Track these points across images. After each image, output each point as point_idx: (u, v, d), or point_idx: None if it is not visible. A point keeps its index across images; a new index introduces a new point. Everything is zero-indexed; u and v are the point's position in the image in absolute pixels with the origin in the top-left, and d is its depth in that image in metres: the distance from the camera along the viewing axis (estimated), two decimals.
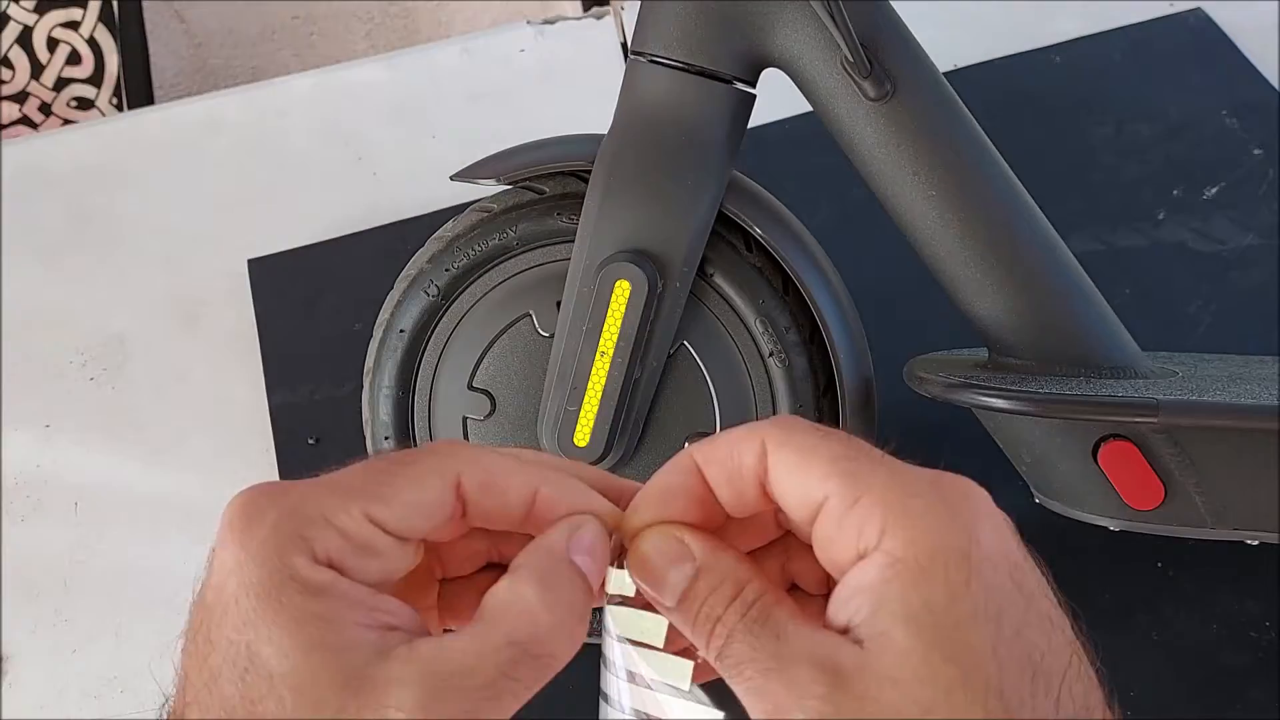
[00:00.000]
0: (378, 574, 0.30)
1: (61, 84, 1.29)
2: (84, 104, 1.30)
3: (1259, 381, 0.60)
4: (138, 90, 1.32)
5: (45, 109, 1.30)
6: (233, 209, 0.93)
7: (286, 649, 0.28)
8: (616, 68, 0.98)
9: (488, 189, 0.62)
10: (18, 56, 1.27)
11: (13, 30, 1.26)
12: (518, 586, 0.30)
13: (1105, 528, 0.62)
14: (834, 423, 0.61)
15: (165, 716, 0.31)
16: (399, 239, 0.87)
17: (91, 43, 1.29)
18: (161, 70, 1.43)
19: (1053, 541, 0.69)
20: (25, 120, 1.29)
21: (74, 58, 1.29)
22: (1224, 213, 0.85)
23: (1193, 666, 0.65)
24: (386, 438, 0.63)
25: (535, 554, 0.32)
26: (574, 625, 0.31)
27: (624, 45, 0.73)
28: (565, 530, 0.32)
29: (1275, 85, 0.92)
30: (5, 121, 1.28)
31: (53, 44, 1.28)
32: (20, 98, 1.29)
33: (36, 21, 1.27)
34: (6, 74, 1.27)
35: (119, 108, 1.31)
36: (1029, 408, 0.58)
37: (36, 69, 1.28)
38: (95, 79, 1.30)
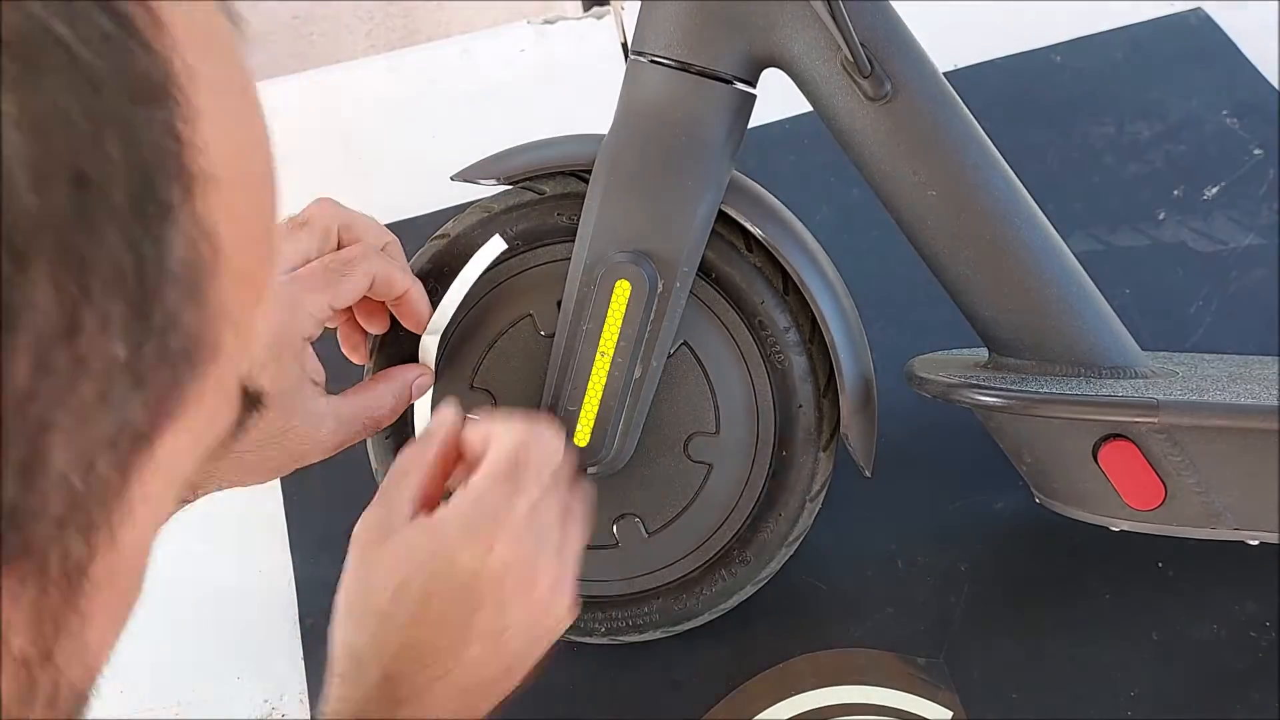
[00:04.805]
0: (317, 329, 0.56)
1: None
2: None
3: (1259, 381, 0.60)
4: None
5: None
6: None
7: (275, 379, 0.53)
8: (616, 68, 0.98)
9: (488, 189, 0.62)
10: None
11: None
12: (379, 387, 0.59)
13: (1105, 528, 0.62)
14: (834, 423, 0.61)
15: None
16: (399, 239, 0.87)
17: None
18: None
19: (1053, 541, 0.69)
20: None
21: None
22: (1224, 213, 0.85)
23: (1193, 666, 0.65)
24: (387, 436, 0.63)
25: (393, 380, 0.60)
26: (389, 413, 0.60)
27: (624, 45, 0.73)
28: (414, 373, 0.60)
29: (1275, 85, 0.92)
30: None
31: None
32: None
33: None
34: None
35: None
36: (1029, 408, 0.58)
37: None
38: None
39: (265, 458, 0.55)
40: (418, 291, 0.59)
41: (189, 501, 0.53)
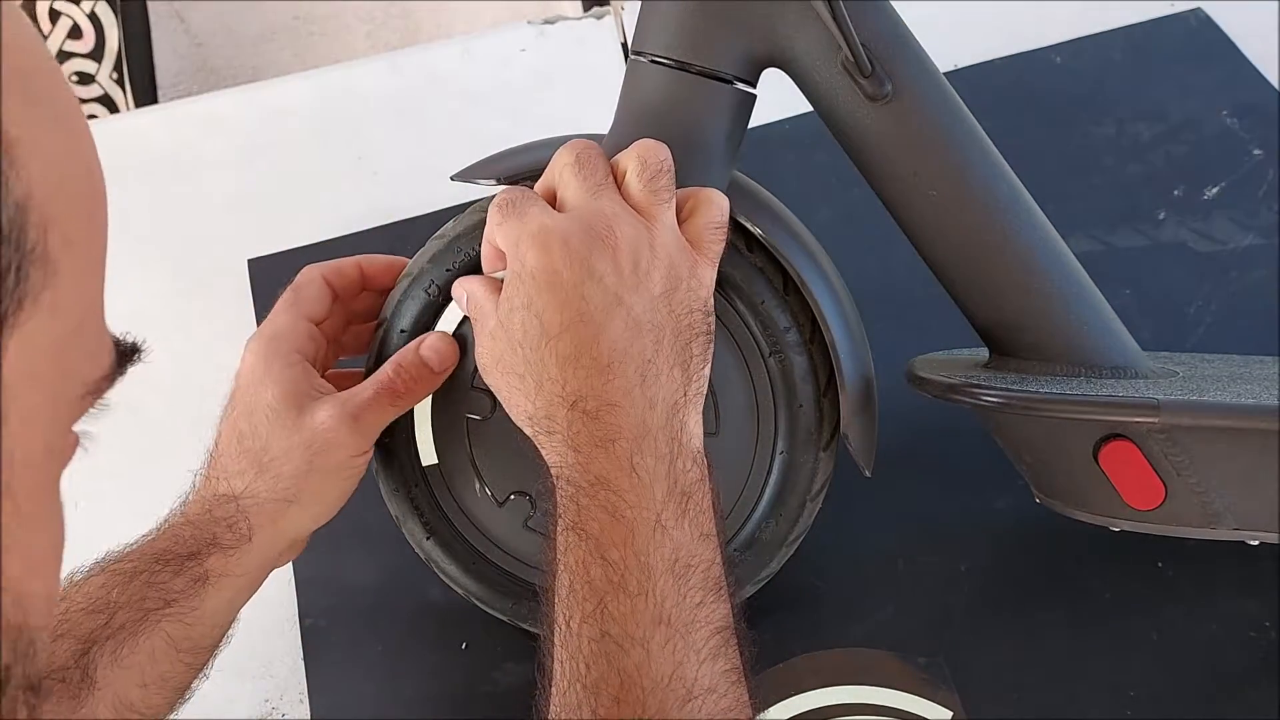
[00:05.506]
0: (309, 342, 0.60)
1: (63, 57, 1.30)
2: (85, 79, 1.31)
3: (1259, 381, 0.60)
4: (140, 68, 1.33)
5: None
6: (233, 209, 0.93)
7: (274, 390, 0.57)
8: (616, 68, 0.99)
9: (488, 189, 0.62)
10: None
11: None
12: (382, 371, 0.59)
13: (1105, 528, 0.62)
14: (834, 423, 0.61)
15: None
16: (399, 239, 0.87)
17: (93, 18, 1.30)
18: (162, 71, 1.43)
19: (1053, 541, 0.69)
20: None
21: (75, 32, 1.30)
22: (1224, 213, 0.85)
23: (1193, 666, 0.65)
24: (388, 438, 0.63)
25: (399, 354, 0.59)
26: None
27: (624, 45, 0.73)
28: (415, 342, 0.60)
29: (1275, 85, 0.92)
30: None
31: (55, 15, 1.29)
32: None
33: None
34: None
35: (119, 83, 1.31)
36: (1029, 408, 0.58)
37: None
38: (96, 54, 1.31)
39: (314, 484, 0.57)
40: (364, 257, 0.64)
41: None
